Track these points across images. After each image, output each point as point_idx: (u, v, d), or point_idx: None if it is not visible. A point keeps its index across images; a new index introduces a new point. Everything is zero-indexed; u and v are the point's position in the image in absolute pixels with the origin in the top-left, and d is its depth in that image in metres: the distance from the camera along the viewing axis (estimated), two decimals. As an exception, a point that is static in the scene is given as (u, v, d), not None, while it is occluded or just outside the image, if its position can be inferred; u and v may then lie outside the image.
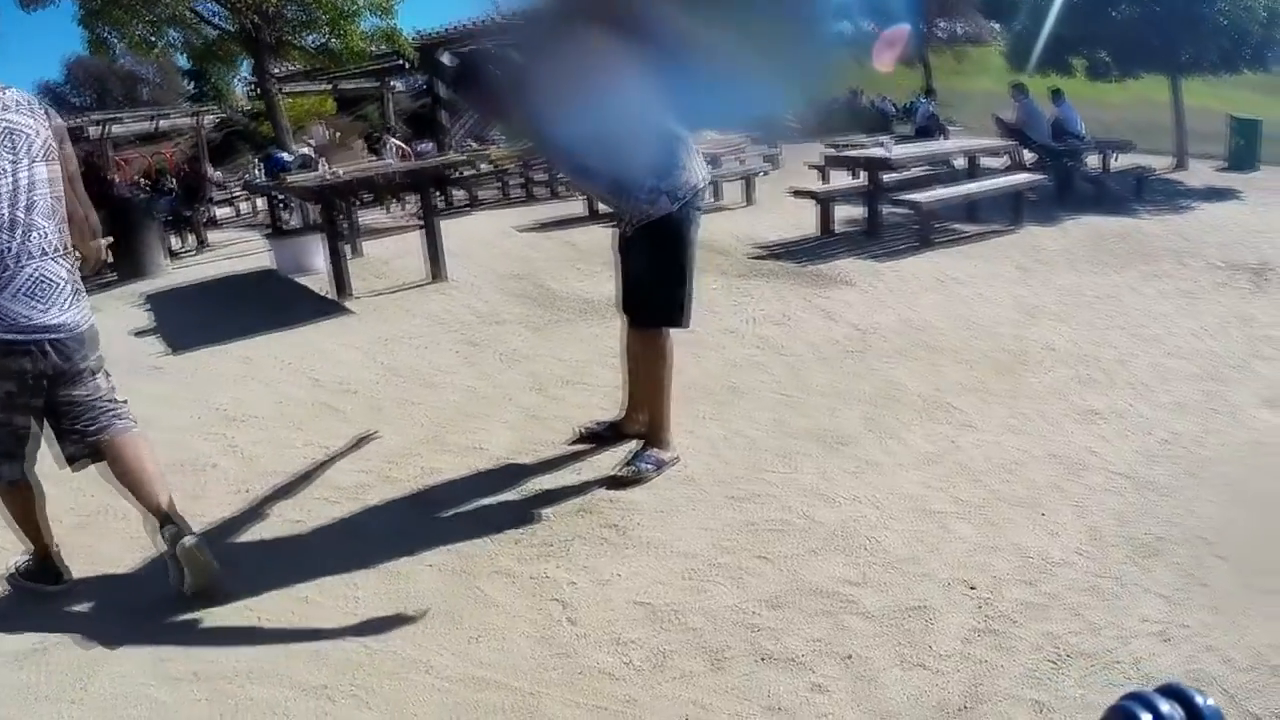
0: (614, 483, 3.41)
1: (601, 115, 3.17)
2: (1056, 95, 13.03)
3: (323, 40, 14.31)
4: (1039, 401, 4.05)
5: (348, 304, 7.09)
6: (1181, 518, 3.01)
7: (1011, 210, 8.65)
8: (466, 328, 6.03)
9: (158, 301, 8.54)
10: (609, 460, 3.63)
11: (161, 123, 25.27)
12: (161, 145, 28.33)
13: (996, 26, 21.94)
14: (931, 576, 2.70)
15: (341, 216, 9.52)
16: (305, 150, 9.56)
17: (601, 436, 3.82)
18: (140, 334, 6.98)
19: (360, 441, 4.13)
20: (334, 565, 3.03)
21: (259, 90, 14.85)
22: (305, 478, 3.80)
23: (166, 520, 2.81)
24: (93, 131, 22.00)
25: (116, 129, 23.34)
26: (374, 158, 10.68)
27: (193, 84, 43.40)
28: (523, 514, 3.28)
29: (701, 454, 3.66)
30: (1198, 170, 13.67)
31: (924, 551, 2.84)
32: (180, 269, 10.84)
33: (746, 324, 5.59)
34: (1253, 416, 3.86)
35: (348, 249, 9.20)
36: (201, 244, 13.26)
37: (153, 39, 14.05)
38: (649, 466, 3.44)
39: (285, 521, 3.42)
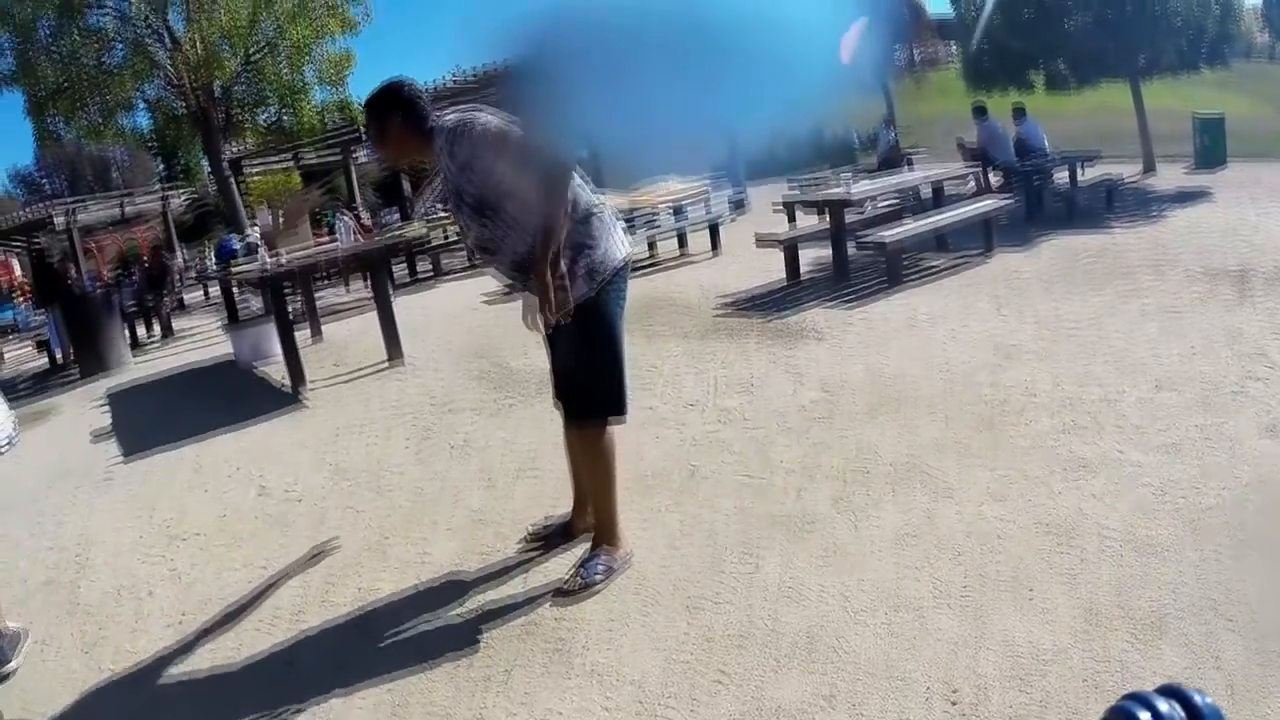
0: (561, 594, 3.11)
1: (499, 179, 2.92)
2: (1018, 113, 12.93)
3: (274, 117, 14.22)
4: (1022, 458, 3.75)
5: (303, 394, 6.90)
6: (1186, 581, 2.70)
7: (982, 236, 8.41)
8: (420, 415, 5.79)
9: (118, 400, 8.48)
10: (558, 565, 3.34)
11: (129, 207, 25.13)
12: (133, 227, 28.19)
13: (954, 47, 21.98)
14: (909, 684, 2.40)
15: (298, 300, 9.32)
16: (252, 236, 9.36)
17: (551, 538, 3.53)
18: (97, 438, 6.96)
19: (310, 557, 3.90)
20: (265, 704, 2.82)
21: (211, 171, 14.77)
22: (242, 601, 3.57)
23: None
24: (59, 220, 21.84)
25: (84, 216, 23.19)
26: (329, 236, 10.51)
27: (163, 164, 43.43)
28: (464, 636, 2.99)
29: (657, 551, 3.36)
30: (1167, 173, 13.51)
31: (899, 653, 2.53)
32: (144, 361, 10.69)
33: (708, 394, 5.29)
34: (1252, 449, 3.57)
35: (307, 332, 8.99)
36: (167, 333, 13.03)
37: (102, 126, 14.00)
38: (598, 574, 3.14)
39: (219, 653, 3.20)
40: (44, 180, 51.88)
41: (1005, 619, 2.63)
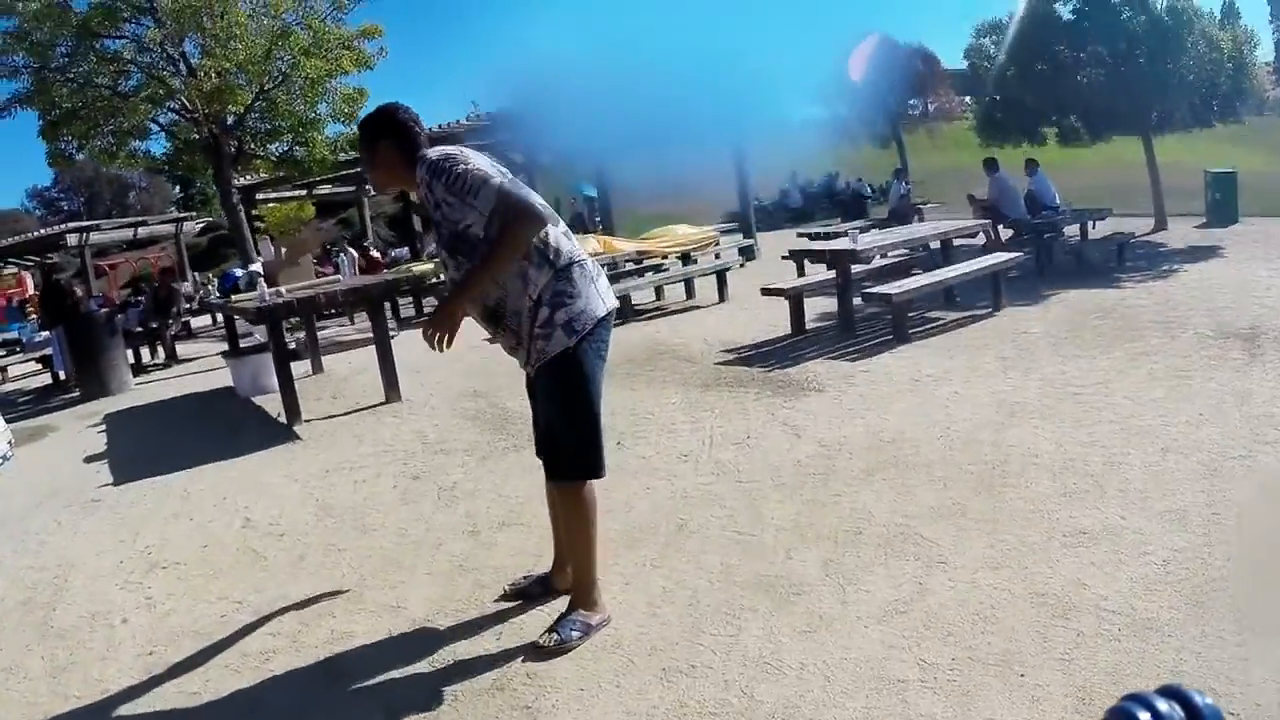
0: (535, 652, 3.00)
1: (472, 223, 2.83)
2: (1030, 167, 12.89)
3: (286, 149, 14.25)
4: (1021, 524, 3.62)
5: (297, 429, 6.83)
6: (1187, 664, 2.57)
7: (991, 292, 8.32)
8: (411, 457, 5.70)
9: (114, 423, 8.45)
10: (534, 621, 3.23)
11: (142, 230, 25.32)
12: (148, 250, 28.34)
13: (969, 100, 22.04)
14: (889, 772, 2.28)
15: (300, 334, 9.27)
16: (255, 268, 9.34)
17: (530, 593, 3.42)
18: (90, 460, 6.94)
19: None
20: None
21: (222, 201, 14.80)
22: (213, 640, 3.50)
23: None
24: (71, 240, 22.04)
25: (97, 236, 23.38)
26: (331, 270, 10.48)
27: (179, 189, 43.79)
28: (432, 691, 2.88)
29: (637, 611, 3.24)
30: (1178, 229, 13.45)
31: (880, 738, 2.41)
32: (146, 385, 10.64)
33: (704, 446, 5.17)
34: (1260, 519, 3.44)
35: (308, 365, 8.93)
36: (170, 358, 12.99)
37: (115, 150, 14.07)
38: (574, 633, 3.03)
39: (183, 694, 3.12)
40: (61, 199, 52.40)
41: (993, 702, 2.50)
